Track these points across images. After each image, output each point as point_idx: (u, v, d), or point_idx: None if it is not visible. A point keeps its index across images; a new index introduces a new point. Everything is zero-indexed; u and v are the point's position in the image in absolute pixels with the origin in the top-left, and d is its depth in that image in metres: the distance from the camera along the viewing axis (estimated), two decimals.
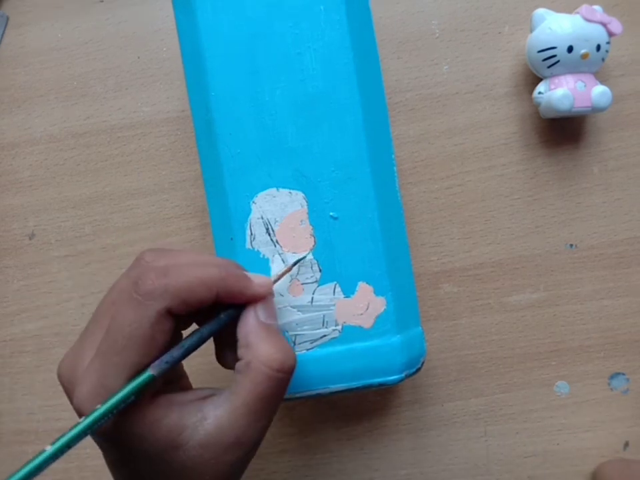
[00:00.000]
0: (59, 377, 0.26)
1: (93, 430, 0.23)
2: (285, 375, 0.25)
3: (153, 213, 0.40)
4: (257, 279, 0.27)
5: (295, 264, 0.30)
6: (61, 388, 0.26)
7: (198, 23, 0.30)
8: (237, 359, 0.26)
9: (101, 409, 0.23)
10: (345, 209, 0.30)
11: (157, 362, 0.24)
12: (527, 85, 0.40)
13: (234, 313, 0.27)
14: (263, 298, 0.27)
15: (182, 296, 0.24)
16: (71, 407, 0.24)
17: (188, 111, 0.34)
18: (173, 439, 0.24)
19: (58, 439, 0.22)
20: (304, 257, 0.30)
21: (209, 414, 0.25)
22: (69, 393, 0.25)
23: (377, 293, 0.31)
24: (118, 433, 0.24)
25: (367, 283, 0.31)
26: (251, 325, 0.26)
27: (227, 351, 0.28)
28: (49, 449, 0.22)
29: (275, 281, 0.29)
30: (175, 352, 0.25)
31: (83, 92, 0.41)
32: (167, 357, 0.24)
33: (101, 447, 0.26)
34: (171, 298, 0.24)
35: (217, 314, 0.27)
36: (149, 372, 0.24)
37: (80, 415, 0.24)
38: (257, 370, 0.25)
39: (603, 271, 0.40)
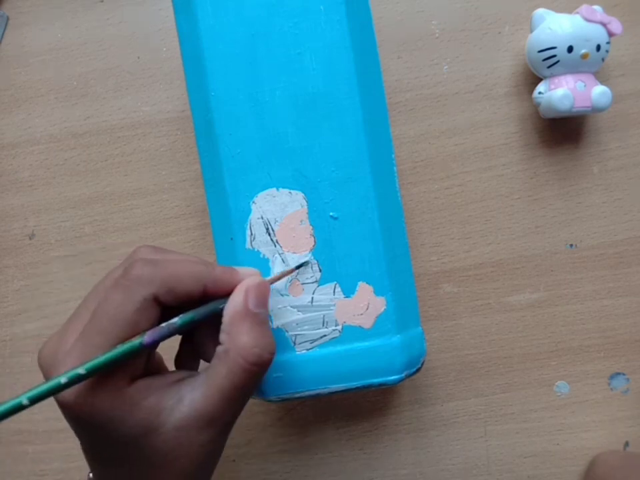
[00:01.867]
0: (39, 360, 0.25)
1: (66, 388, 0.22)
2: (260, 369, 0.25)
3: (153, 212, 0.40)
4: (246, 271, 0.27)
5: (298, 267, 0.30)
6: None
7: (198, 23, 0.30)
8: (197, 362, 0.27)
9: (85, 365, 0.22)
10: (344, 208, 0.30)
11: (149, 332, 0.24)
12: (526, 84, 0.40)
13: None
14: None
15: (169, 284, 0.25)
16: None
17: (188, 111, 0.34)
18: (151, 421, 0.24)
19: (33, 388, 0.22)
20: (306, 262, 0.30)
21: (185, 396, 0.25)
22: (48, 377, 0.25)
23: (376, 292, 0.31)
24: (97, 417, 0.24)
25: (367, 282, 0.31)
26: (236, 310, 0.26)
27: (185, 355, 0.29)
28: (25, 401, 0.22)
29: (272, 282, 0.29)
30: (167, 327, 0.24)
31: (83, 92, 0.41)
32: (160, 329, 0.24)
33: (79, 435, 0.26)
34: (158, 285, 0.24)
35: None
36: (139, 340, 0.24)
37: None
38: (234, 361, 0.25)
39: (603, 270, 0.40)
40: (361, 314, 0.30)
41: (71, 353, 0.24)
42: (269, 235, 0.31)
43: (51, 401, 0.23)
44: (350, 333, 0.30)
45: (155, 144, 0.41)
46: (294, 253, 0.31)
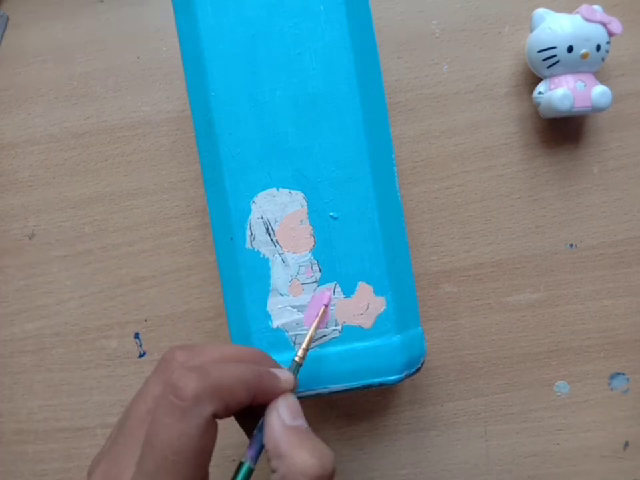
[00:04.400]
0: None
1: None
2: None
3: (153, 212, 0.40)
4: (282, 375, 0.26)
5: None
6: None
7: (198, 23, 0.30)
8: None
9: None
10: (345, 208, 0.30)
11: (249, 452, 0.24)
12: (526, 84, 0.40)
13: None
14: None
15: (225, 399, 0.23)
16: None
17: (188, 111, 0.34)
18: None
19: None
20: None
21: None
22: None
23: (376, 292, 0.31)
24: None
25: (366, 282, 0.31)
26: (277, 431, 0.24)
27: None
28: None
29: (295, 372, 0.28)
30: (258, 438, 0.24)
31: (83, 92, 0.41)
32: (257, 446, 0.24)
33: None
34: (217, 402, 0.22)
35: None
36: (248, 464, 0.23)
37: None
38: None
39: (603, 270, 0.40)
40: (361, 314, 0.30)
41: None
42: (269, 234, 0.31)
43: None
44: (350, 332, 0.30)
45: (155, 144, 0.41)
46: (294, 252, 0.31)
